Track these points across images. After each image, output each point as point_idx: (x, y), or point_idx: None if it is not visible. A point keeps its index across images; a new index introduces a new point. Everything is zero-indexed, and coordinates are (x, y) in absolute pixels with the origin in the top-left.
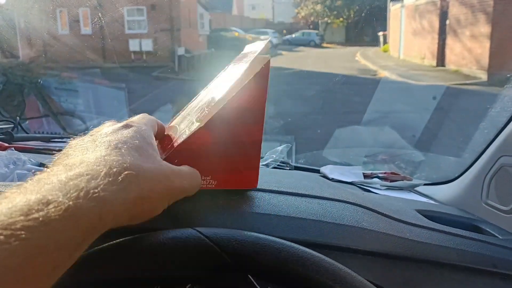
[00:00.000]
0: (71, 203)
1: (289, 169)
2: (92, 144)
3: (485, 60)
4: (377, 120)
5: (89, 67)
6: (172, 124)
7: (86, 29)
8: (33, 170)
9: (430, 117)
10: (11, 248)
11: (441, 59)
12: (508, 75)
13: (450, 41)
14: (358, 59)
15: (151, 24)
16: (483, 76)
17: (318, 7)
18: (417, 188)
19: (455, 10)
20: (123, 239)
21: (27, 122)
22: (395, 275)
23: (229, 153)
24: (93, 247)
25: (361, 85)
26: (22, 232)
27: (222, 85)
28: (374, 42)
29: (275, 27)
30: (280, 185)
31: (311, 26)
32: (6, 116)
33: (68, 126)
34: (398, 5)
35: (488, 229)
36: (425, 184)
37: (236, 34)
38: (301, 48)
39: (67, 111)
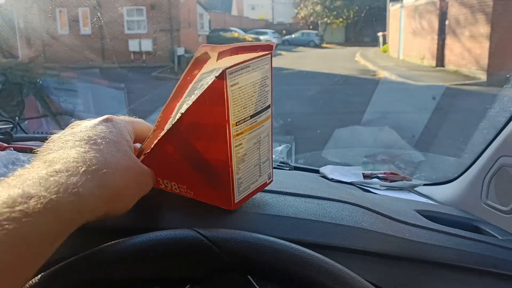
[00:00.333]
0: (52, 197)
1: (289, 169)
2: (72, 138)
3: (485, 61)
4: (377, 121)
5: (88, 67)
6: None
7: (85, 29)
8: None
9: (429, 118)
10: None
11: (440, 59)
12: (508, 75)
13: (449, 41)
14: (358, 59)
15: (150, 24)
16: (483, 77)
17: (318, 8)
18: (416, 189)
19: (454, 10)
20: (122, 239)
21: (26, 122)
22: (394, 275)
23: (196, 166)
24: (93, 247)
25: (361, 85)
26: (8, 223)
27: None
28: (374, 42)
29: (274, 27)
30: (279, 185)
31: (310, 27)
32: (5, 116)
33: (67, 126)
34: (398, 5)
35: (487, 230)
36: (424, 185)
37: (236, 34)
38: (301, 48)
39: (66, 111)
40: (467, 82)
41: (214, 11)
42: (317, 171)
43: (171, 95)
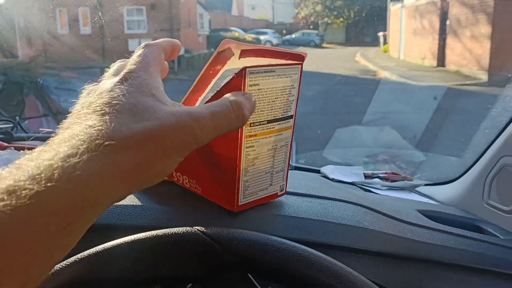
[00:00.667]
0: (40, 188)
1: (290, 169)
2: (84, 111)
3: (486, 61)
4: (378, 121)
5: (88, 67)
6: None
7: (85, 29)
8: None
9: (430, 118)
10: None
11: (441, 59)
12: (510, 75)
13: (450, 41)
14: (358, 60)
15: (150, 24)
16: (484, 77)
17: (318, 7)
18: (418, 189)
19: (455, 10)
20: (124, 237)
21: (26, 121)
22: (396, 274)
23: (206, 162)
24: (94, 246)
25: (361, 86)
26: None
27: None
28: (374, 42)
29: (275, 27)
30: None
31: (311, 27)
32: (5, 115)
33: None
34: (399, 5)
35: (489, 229)
36: (426, 185)
37: (236, 34)
38: (301, 48)
39: (67, 110)
40: (468, 82)
41: (214, 11)
42: (318, 171)
43: (191, 87)
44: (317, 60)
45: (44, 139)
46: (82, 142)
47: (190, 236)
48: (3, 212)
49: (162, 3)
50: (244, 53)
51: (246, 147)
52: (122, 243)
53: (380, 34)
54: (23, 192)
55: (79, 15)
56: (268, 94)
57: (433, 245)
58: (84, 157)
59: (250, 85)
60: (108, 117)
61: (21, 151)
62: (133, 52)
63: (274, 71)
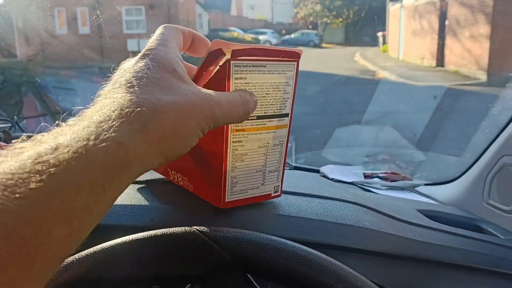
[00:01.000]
0: (80, 144)
1: (289, 169)
2: (112, 87)
3: (485, 61)
4: (377, 120)
5: (87, 67)
6: None
7: (84, 29)
8: None
9: (430, 118)
10: (21, 195)
11: (440, 59)
12: (510, 75)
13: (449, 41)
14: (357, 60)
15: (149, 24)
16: (483, 77)
17: (317, 7)
18: (417, 188)
19: (454, 10)
20: (122, 237)
21: (24, 121)
22: (397, 274)
23: (196, 158)
24: (91, 246)
25: (361, 86)
26: (33, 176)
27: None
28: (373, 42)
29: (274, 27)
30: None
31: (310, 27)
32: (3, 115)
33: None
34: (398, 5)
35: (489, 229)
36: (425, 184)
37: (235, 34)
38: (300, 48)
39: (65, 110)
40: (467, 82)
41: (213, 11)
42: (317, 171)
43: None
44: (316, 60)
45: None
46: (113, 111)
47: (188, 236)
48: (47, 162)
49: (161, 3)
50: (235, 53)
51: (233, 142)
52: (120, 243)
53: (379, 34)
54: (65, 149)
55: (77, 15)
56: (258, 89)
57: (433, 245)
58: (115, 122)
59: (236, 78)
60: (137, 88)
61: None
62: (131, 51)
63: (265, 66)
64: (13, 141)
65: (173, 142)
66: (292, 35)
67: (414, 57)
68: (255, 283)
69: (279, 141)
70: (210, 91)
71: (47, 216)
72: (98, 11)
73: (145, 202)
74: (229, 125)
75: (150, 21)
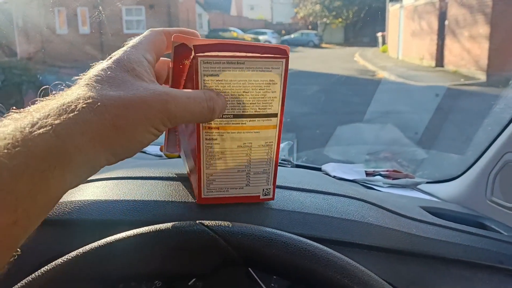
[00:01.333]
0: (17, 133)
1: (290, 167)
2: (75, 86)
3: (484, 61)
4: (377, 119)
5: (87, 66)
6: None
7: (84, 29)
8: None
9: (430, 118)
10: None
11: (440, 59)
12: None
13: (449, 41)
14: (357, 60)
15: (149, 24)
16: (482, 77)
17: (317, 8)
18: (419, 186)
19: (454, 10)
20: (125, 232)
21: None
22: (401, 270)
23: (190, 151)
24: (95, 241)
25: (360, 86)
26: None
27: None
28: (373, 42)
29: (273, 27)
30: (283, 180)
31: (310, 27)
32: (4, 114)
33: None
34: (397, 5)
35: (493, 226)
36: (427, 182)
37: (235, 34)
38: (300, 48)
39: None
40: (466, 82)
41: (213, 11)
42: (319, 169)
43: (170, 83)
44: (316, 60)
45: None
46: (57, 106)
47: (193, 230)
48: None
49: (161, 3)
50: (198, 49)
51: (206, 139)
52: (123, 237)
53: (379, 34)
54: (3, 135)
55: (77, 15)
56: (234, 87)
57: (437, 241)
58: (54, 114)
59: (207, 75)
60: (89, 86)
61: None
62: None
63: (243, 63)
64: None
65: (116, 137)
66: (292, 35)
67: (413, 57)
68: (257, 278)
69: (266, 143)
70: (167, 88)
71: None
72: (98, 11)
73: (148, 198)
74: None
75: (150, 21)
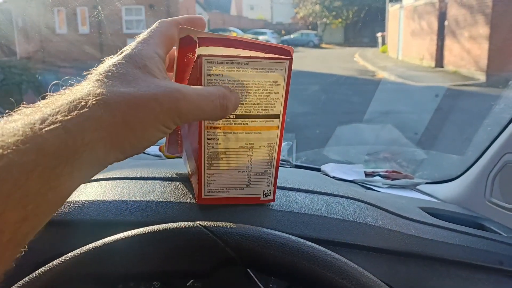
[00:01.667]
0: (27, 129)
1: (290, 167)
2: (85, 82)
3: (484, 61)
4: (377, 118)
5: (88, 65)
6: None
7: (83, 28)
8: None
9: (430, 118)
10: None
11: (439, 60)
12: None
13: (448, 42)
14: (357, 60)
15: (149, 24)
16: (482, 77)
17: (317, 8)
18: (419, 187)
19: (453, 11)
20: (124, 232)
21: None
22: (400, 271)
23: (192, 150)
24: (94, 241)
25: (360, 86)
26: None
27: None
28: (373, 43)
29: (273, 27)
30: (282, 181)
31: (309, 27)
32: (3, 113)
33: None
34: (397, 6)
35: (492, 227)
36: (427, 183)
37: (234, 34)
38: (300, 48)
39: None
40: (466, 83)
41: (213, 11)
42: (318, 170)
43: (174, 77)
44: (316, 61)
45: None
46: (67, 102)
47: (191, 231)
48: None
49: (161, 3)
50: (202, 42)
51: (208, 139)
52: (122, 238)
53: (379, 34)
54: (12, 132)
55: (77, 15)
56: (237, 87)
57: (437, 242)
58: (65, 110)
59: (210, 75)
60: (100, 82)
61: None
62: None
63: (247, 64)
64: None
65: (126, 134)
66: (292, 36)
67: (413, 58)
68: (255, 279)
69: (268, 144)
70: (179, 85)
71: None
72: (97, 11)
73: (147, 198)
74: (203, 121)
75: (150, 21)
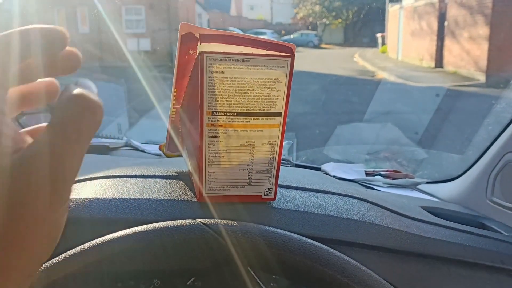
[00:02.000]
0: None
1: (290, 167)
2: None
3: (483, 62)
4: (377, 120)
5: (87, 65)
6: None
7: (83, 28)
8: None
9: (430, 118)
10: None
11: (439, 60)
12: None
13: (448, 42)
14: (357, 60)
15: (149, 24)
16: (481, 78)
17: (317, 8)
18: (419, 186)
19: (453, 11)
20: (124, 230)
21: (24, 117)
22: (402, 270)
23: (192, 148)
24: (94, 239)
25: (360, 86)
26: None
27: None
28: (372, 43)
29: (273, 27)
30: (283, 179)
31: (309, 27)
32: None
33: None
34: (397, 6)
35: (493, 226)
36: (427, 182)
37: None
38: (300, 48)
39: None
40: (466, 83)
41: (213, 11)
42: (318, 169)
43: (175, 74)
44: (316, 61)
45: None
46: None
47: (193, 229)
48: None
49: (161, 3)
50: (204, 38)
51: (209, 137)
52: (122, 236)
53: (378, 35)
54: None
55: (77, 15)
56: (239, 84)
57: (438, 241)
58: None
59: (212, 72)
60: None
61: None
62: (131, 51)
63: (249, 61)
64: None
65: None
66: (292, 36)
67: (413, 58)
68: (256, 277)
69: (269, 142)
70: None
71: None
72: (97, 11)
73: (148, 196)
74: (204, 119)
75: (150, 21)
